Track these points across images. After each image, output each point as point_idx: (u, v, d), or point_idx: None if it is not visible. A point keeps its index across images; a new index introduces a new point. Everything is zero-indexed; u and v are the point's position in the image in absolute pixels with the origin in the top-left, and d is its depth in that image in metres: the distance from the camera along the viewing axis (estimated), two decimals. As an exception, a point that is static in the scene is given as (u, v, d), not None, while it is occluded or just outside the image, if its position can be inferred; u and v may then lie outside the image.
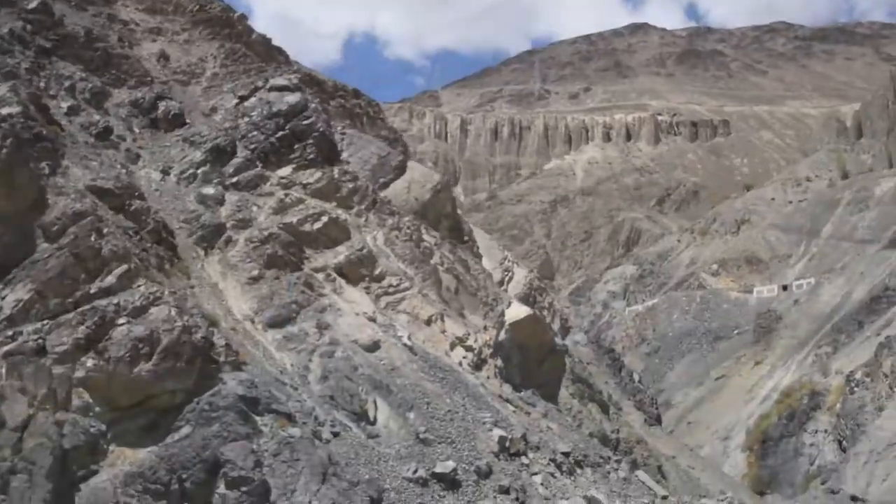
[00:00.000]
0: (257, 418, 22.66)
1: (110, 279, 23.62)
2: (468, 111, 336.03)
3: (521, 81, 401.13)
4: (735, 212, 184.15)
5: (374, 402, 26.98)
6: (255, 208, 35.70)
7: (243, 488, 20.74)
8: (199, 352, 23.15)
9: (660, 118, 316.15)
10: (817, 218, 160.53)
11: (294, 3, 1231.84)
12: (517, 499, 25.34)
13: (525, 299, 51.12)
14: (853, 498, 46.94)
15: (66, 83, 38.78)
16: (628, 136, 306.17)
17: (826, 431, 72.08)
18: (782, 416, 76.81)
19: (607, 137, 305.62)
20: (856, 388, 70.29)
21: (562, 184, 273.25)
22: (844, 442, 67.76)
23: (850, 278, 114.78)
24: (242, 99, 43.11)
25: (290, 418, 23.33)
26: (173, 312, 23.27)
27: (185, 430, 21.78)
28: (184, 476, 20.92)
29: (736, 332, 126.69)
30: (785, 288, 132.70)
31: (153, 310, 23.29)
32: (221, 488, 20.88)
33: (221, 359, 24.18)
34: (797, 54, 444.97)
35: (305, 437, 22.50)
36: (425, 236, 40.72)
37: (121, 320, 22.72)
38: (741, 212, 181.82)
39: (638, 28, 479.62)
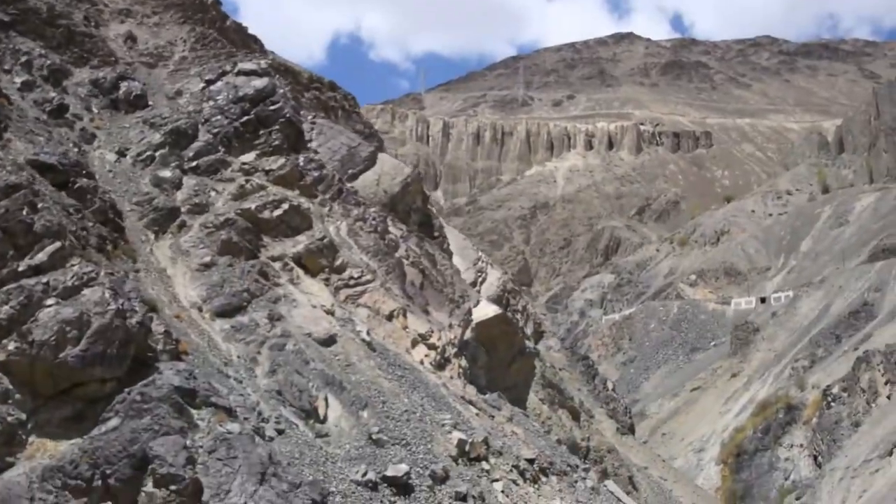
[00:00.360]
0: (193, 412, 20.79)
1: (41, 256, 21.77)
2: (451, 115, 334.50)
3: (505, 87, 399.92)
4: (715, 223, 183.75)
5: (326, 399, 25.17)
6: (213, 193, 34.00)
7: (172, 487, 18.87)
8: (133, 338, 21.30)
9: (642, 128, 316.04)
10: (797, 231, 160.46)
11: (280, 2, 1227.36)
12: (474, 506, 23.65)
13: (498, 301, 49.47)
14: (830, 514, 45.69)
15: (23, 58, 37.14)
16: (610, 145, 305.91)
17: (801, 446, 71.04)
18: (757, 429, 75.71)
19: (589, 145, 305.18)
20: (832, 403, 69.28)
21: (542, 190, 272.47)
22: (820, 457, 66.68)
23: (829, 292, 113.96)
24: (209, 83, 41.46)
25: (229, 413, 21.47)
26: (107, 294, 21.41)
27: (114, 422, 19.88)
28: (108, 472, 19.04)
29: (713, 343, 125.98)
30: (763, 300, 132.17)
31: (86, 291, 21.42)
32: (149, 486, 19.03)
33: (159, 347, 22.36)
34: (781, 69, 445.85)
35: (245, 434, 20.64)
36: (391, 228, 38.99)
37: (49, 301, 20.84)
38: (721, 223, 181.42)
39: (623, 37, 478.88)
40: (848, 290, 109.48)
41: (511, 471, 27.17)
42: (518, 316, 55.08)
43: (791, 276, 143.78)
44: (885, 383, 66.42)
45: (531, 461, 29.06)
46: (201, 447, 19.97)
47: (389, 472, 22.79)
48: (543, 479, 28.82)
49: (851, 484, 55.75)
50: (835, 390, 70.21)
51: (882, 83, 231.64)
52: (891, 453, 55.14)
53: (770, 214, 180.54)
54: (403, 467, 23.10)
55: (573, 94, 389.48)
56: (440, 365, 33.25)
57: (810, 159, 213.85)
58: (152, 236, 30.33)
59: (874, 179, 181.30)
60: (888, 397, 65.13)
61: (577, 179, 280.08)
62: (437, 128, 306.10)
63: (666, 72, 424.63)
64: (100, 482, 18.93)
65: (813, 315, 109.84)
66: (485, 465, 26.46)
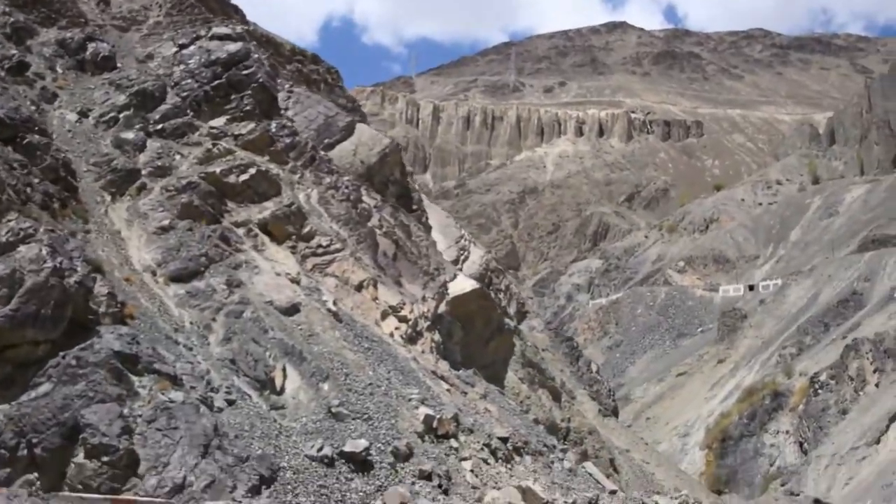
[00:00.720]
0: (134, 378, 19.21)
1: (-27, 210, 20.19)
2: (442, 99, 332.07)
3: (497, 73, 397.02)
4: (704, 210, 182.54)
5: (284, 370, 23.53)
6: (178, 157, 32.38)
7: (104, 458, 17.34)
8: (71, 299, 19.70)
9: (633, 116, 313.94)
10: (786, 221, 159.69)
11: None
12: (440, 485, 21.99)
13: (480, 279, 48.01)
14: (816, 501, 44.63)
15: (-16, 16, 35.56)
16: (601, 132, 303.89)
17: (787, 432, 70.15)
18: (743, 415, 74.81)
19: (580, 132, 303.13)
20: (820, 391, 68.50)
21: (532, 175, 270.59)
22: (806, 444, 65.83)
23: (818, 281, 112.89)
24: (182, 47, 39.80)
25: (174, 381, 19.88)
26: (44, 252, 19.82)
27: (45, 387, 18.30)
28: (35, 440, 17.47)
29: (700, 329, 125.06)
30: (751, 288, 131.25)
31: (21, 248, 19.83)
32: (79, 457, 17.50)
33: (101, 309, 20.75)
34: (773, 61, 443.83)
35: (189, 403, 19.06)
36: (365, 197, 37.33)
37: (-21, 257, 19.26)
38: (710, 211, 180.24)
39: (616, 27, 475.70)
40: (837, 279, 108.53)
41: (482, 449, 25.60)
42: (501, 295, 53.70)
43: (780, 264, 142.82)
44: (874, 371, 65.60)
45: (504, 440, 27.50)
46: (140, 416, 18.46)
47: (347, 448, 21.17)
48: (517, 458, 27.27)
49: (837, 471, 54.87)
50: (822, 377, 69.41)
51: (875, 77, 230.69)
52: (878, 441, 54.31)
53: (760, 204, 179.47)
54: (363, 443, 21.49)
55: (564, 81, 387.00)
56: (411, 338, 31.70)
57: (801, 150, 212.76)
58: (108, 198, 28.73)
59: (865, 171, 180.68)
60: (876, 385, 64.29)
61: (566, 165, 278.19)
62: (427, 111, 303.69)
63: (658, 61, 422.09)
64: (25, 451, 17.44)
65: (801, 303, 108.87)
66: (453, 443, 24.86)
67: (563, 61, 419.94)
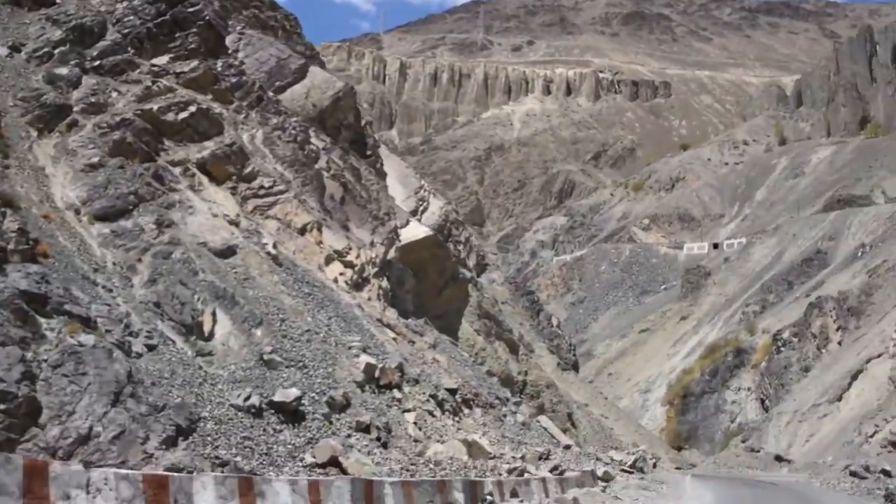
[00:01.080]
0: (42, 320, 17.54)
1: None
2: (409, 56, 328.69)
3: (465, 31, 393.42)
4: (670, 169, 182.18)
5: (214, 314, 21.90)
6: (114, 94, 30.46)
7: (1, 406, 15.71)
8: (-27, 233, 18.04)
9: (601, 75, 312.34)
10: (752, 181, 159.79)
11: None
12: (378, 438, 20.53)
13: (439, 230, 46.56)
14: (778, 458, 43.82)
15: None
16: (568, 91, 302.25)
17: (749, 389, 69.75)
18: (705, 371, 74.27)
19: (547, 91, 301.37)
20: (782, 348, 68.08)
21: (498, 133, 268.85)
22: (767, 401, 65.36)
23: (782, 239, 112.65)
24: (130, -15, 37.68)
25: (87, 323, 18.24)
26: (-55, 182, 18.13)
27: (-60, 329, 16.65)
28: (-75, 387, 15.85)
29: (663, 286, 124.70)
30: (716, 246, 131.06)
31: (-80, 178, 18.12)
32: (-26, 405, 15.89)
33: (10, 246, 19.03)
34: (742, 24, 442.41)
35: (101, 347, 17.39)
36: (313, 139, 35.60)
37: None
38: (676, 169, 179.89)
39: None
40: (802, 237, 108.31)
41: (428, 401, 24.20)
42: (460, 247, 52.32)
43: (745, 223, 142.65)
44: (837, 329, 65.14)
45: (453, 391, 26.13)
46: (45, 361, 16.77)
47: (277, 397, 19.61)
48: (466, 410, 25.95)
49: (798, 428, 54.29)
50: (785, 335, 68.96)
51: (843, 41, 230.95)
52: (840, 398, 53.73)
53: (726, 163, 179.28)
54: (294, 392, 19.93)
55: (533, 40, 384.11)
56: (357, 285, 30.20)
57: (768, 111, 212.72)
58: (35, 134, 26.84)
59: (831, 133, 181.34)
60: (839, 343, 63.80)
61: (533, 123, 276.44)
62: (393, 67, 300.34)
63: (627, 22, 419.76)
64: (-88, 403, 15.75)
65: (765, 261, 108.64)
66: (396, 394, 23.44)
67: (532, 20, 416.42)
